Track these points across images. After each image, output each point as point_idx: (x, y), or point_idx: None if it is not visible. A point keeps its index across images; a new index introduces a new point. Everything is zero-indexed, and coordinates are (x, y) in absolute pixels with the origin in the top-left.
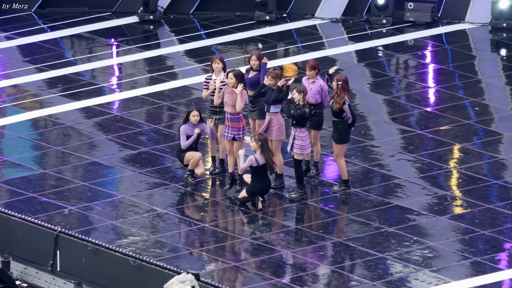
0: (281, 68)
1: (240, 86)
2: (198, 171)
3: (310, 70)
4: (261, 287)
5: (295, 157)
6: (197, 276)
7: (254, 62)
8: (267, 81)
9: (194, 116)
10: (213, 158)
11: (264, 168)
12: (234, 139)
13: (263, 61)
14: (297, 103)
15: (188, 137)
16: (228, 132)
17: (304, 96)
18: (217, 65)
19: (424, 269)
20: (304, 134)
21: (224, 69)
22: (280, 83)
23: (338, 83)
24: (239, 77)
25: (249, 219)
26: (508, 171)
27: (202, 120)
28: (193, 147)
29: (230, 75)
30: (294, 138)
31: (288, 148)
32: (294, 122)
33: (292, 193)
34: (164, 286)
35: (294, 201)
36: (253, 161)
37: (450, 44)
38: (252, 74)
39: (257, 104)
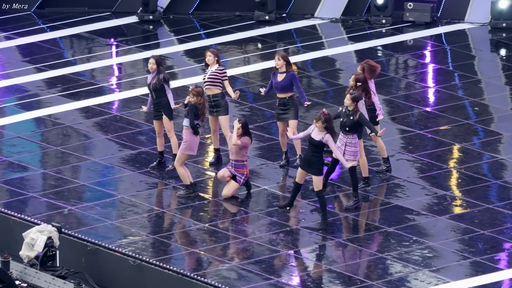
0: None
1: (238, 141)
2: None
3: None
4: (261, 287)
5: (350, 164)
6: (59, 229)
7: (277, 62)
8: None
9: (150, 63)
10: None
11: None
12: (234, 178)
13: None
14: (348, 111)
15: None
16: (232, 169)
17: (356, 103)
18: (208, 57)
19: (423, 269)
20: (356, 140)
21: (217, 61)
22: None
23: (358, 83)
24: (245, 127)
25: (249, 219)
26: (507, 171)
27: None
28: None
29: (236, 121)
30: (345, 145)
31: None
32: (347, 129)
33: (348, 202)
34: (23, 234)
35: (349, 209)
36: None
37: (450, 44)
38: (280, 77)
39: (289, 106)
